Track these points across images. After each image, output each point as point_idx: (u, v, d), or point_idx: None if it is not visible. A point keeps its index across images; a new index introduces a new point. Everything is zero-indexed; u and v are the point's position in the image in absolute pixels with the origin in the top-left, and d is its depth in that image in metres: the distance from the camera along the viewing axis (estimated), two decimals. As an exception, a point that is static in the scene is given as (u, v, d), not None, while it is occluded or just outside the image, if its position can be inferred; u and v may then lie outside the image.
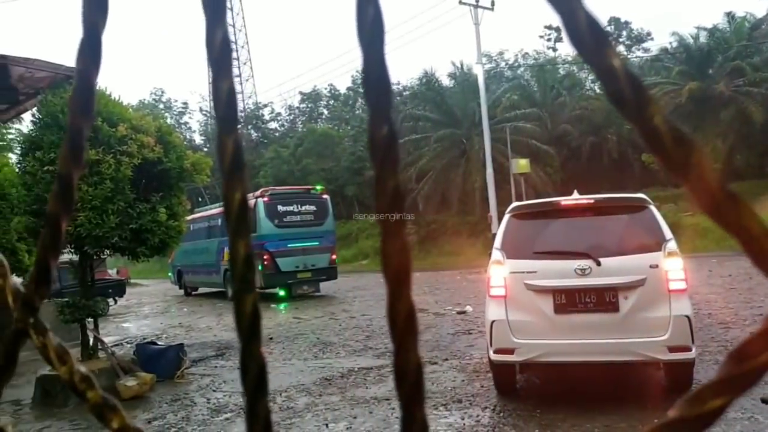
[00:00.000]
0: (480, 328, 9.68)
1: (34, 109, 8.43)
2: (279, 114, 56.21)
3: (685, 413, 0.28)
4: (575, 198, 6.34)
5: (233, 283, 0.36)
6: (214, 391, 7.75)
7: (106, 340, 9.13)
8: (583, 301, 5.59)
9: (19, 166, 8.64)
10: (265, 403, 0.36)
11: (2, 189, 9.56)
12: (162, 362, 8.53)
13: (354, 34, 0.33)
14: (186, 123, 58.71)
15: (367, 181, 36.30)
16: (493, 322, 5.86)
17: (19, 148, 9.39)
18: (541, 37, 46.61)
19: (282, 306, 17.20)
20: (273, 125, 55.80)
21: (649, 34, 46.98)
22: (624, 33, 47.29)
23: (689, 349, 5.36)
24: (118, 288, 19.66)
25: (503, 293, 5.87)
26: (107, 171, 7.48)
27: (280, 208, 18.60)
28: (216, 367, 9.28)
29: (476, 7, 25.74)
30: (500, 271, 5.92)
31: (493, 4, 26.15)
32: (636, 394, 5.92)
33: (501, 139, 29.51)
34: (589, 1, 0.30)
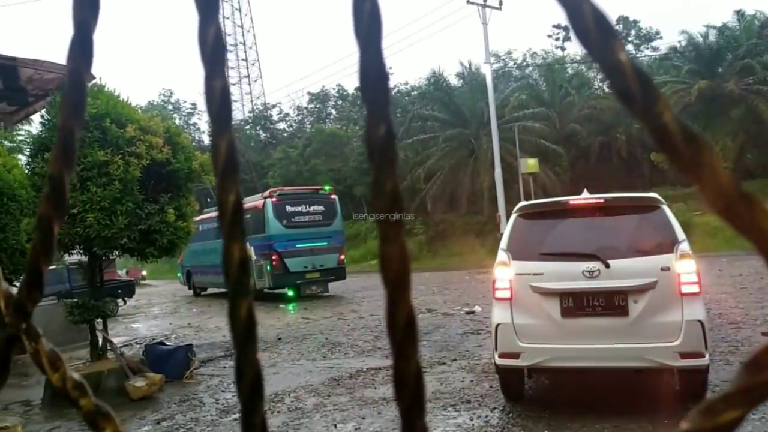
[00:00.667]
0: (488, 329, 9.65)
1: (43, 111, 8.48)
2: (287, 114, 56.32)
3: (698, 426, 0.27)
4: (584, 197, 6.15)
5: (228, 287, 0.35)
6: (222, 391, 7.76)
7: (115, 340, 9.17)
8: (591, 304, 5.42)
9: (28, 167, 8.69)
10: (260, 411, 0.35)
11: (12, 190, 9.62)
12: (171, 363, 8.55)
13: (351, 30, 0.32)
14: (195, 124, 58.82)
15: (375, 182, 36.18)
16: (498, 325, 5.71)
17: (28, 150, 9.45)
18: (550, 36, 46.44)
19: (291, 306, 17.24)
20: (281, 126, 55.87)
21: (657, 32, 46.81)
22: (632, 32, 47.09)
23: (702, 356, 5.13)
24: (128, 289, 19.77)
25: (508, 296, 5.70)
26: (116, 172, 7.51)
27: (288, 208, 18.65)
28: (225, 367, 9.29)
29: (484, 6, 25.67)
30: (506, 273, 5.76)
31: (500, 3, 26.08)
32: (647, 396, 5.86)
33: (509, 139, 29.44)
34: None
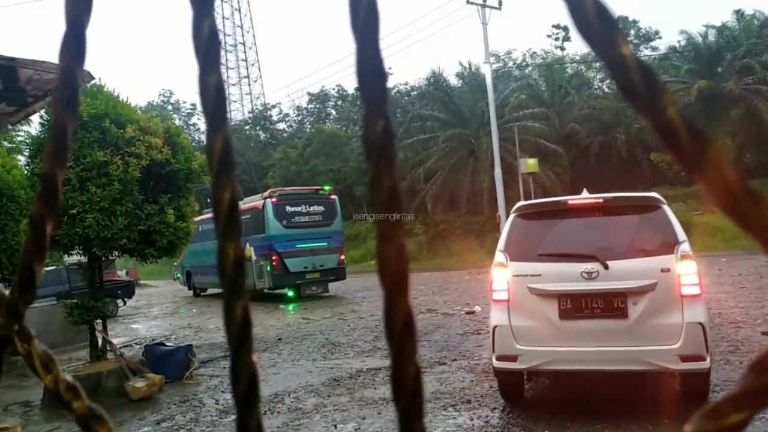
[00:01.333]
0: (488, 329, 9.65)
1: (43, 111, 8.47)
2: (287, 115, 56.32)
3: (703, 428, 0.26)
4: (584, 197, 6.05)
5: (223, 288, 0.35)
6: (222, 392, 7.75)
7: (115, 341, 9.16)
8: (590, 306, 5.32)
9: (27, 168, 8.68)
10: (256, 414, 0.35)
11: (11, 191, 9.62)
12: (171, 363, 8.54)
13: (348, 24, 0.31)
14: (194, 124, 58.80)
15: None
16: (495, 327, 5.64)
17: (27, 150, 9.44)
18: (549, 36, 46.22)
19: (290, 306, 17.23)
20: (281, 126, 55.86)
21: (657, 32, 46.76)
22: (632, 32, 47.03)
23: (703, 359, 5.02)
24: (127, 289, 19.76)
25: (506, 297, 5.61)
26: (115, 172, 7.50)
27: (288, 208, 18.65)
28: (225, 368, 9.27)
29: (483, 6, 25.66)
30: (503, 274, 5.66)
31: (500, 3, 26.07)
32: (648, 397, 5.85)
33: (509, 139, 29.44)
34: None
